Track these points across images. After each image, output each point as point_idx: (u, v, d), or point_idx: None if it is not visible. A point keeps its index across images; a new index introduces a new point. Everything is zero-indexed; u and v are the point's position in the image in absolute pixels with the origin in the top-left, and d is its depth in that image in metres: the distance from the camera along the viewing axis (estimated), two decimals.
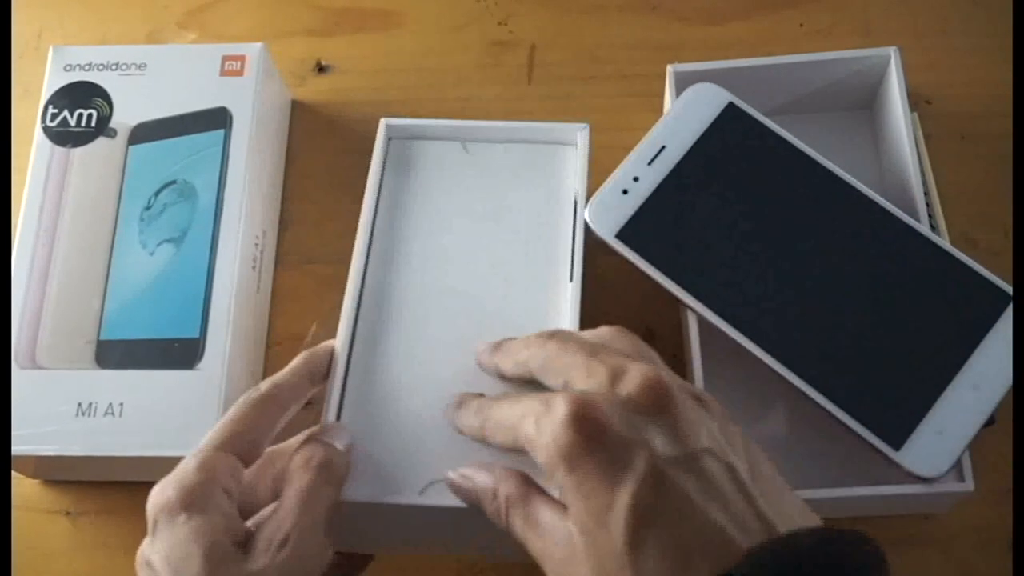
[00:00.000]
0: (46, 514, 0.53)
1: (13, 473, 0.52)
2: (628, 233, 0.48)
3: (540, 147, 0.50)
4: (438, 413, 0.41)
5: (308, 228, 0.58)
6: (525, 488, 0.36)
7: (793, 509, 0.34)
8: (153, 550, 0.36)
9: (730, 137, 0.50)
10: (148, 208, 0.53)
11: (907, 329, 0.46)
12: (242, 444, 0.40)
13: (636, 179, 0.49)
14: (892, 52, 0.54)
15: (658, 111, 0.58)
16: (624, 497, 0.32)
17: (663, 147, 0.50)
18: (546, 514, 0.35)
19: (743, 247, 0.48)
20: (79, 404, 0.49)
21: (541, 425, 0.34)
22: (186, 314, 0.51)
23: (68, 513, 0.53)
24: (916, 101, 0.57)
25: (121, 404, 0.49)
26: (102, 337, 0.51)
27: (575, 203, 0.48)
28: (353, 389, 0.43)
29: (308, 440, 0.40)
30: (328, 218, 0.58)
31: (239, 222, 0.53)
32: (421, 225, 0.48)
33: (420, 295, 0.45)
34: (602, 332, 0.39)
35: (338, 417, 0.42)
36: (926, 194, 0.53)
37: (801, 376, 0.45)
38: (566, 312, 0.45)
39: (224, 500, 0.37)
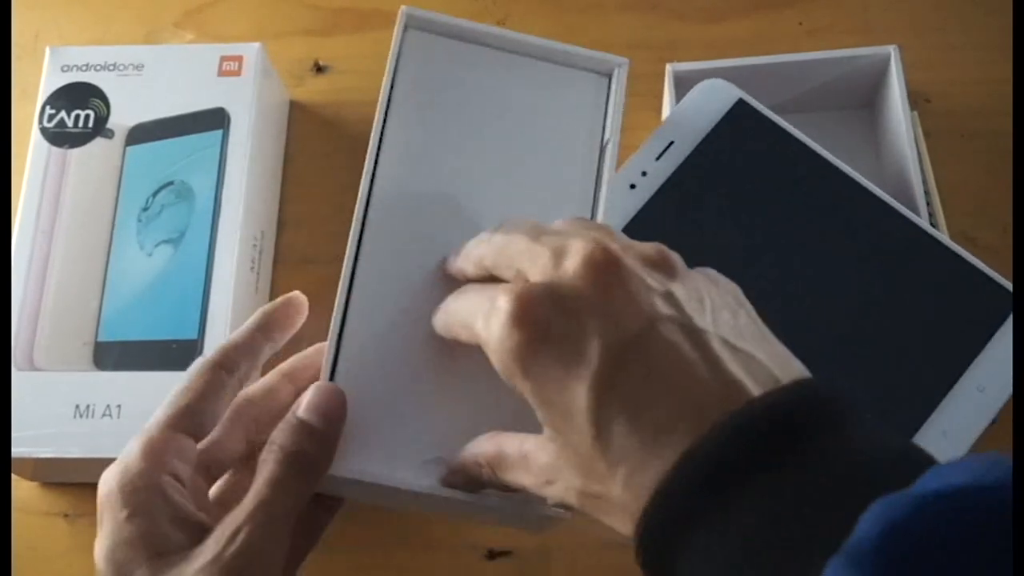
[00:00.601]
0: (44, 516, 0.53)
1: (12, 475, 0.52)
2: (636, 227, 0.48)
3: (578, 74, 0.45)
4: (441, 374, 0.39)
5: (306, 228, 0.58)
6: (497, 439, 0.35)
7: (773, 362, 0.31)
8: (97, 546, 0.35)
9: (739, 133, 0.50)
10: (146, 209, 0.53)
11: (914, 329, 0.46)
12: (192, 419, 0.38)
13: (644, 173, 0.49)
14: (892, 51, 0.54)
15: (657, 110, 0.58)
16: (581, 392, 0.31)
17: (671, 142, 0.50)
18: (526, 444, 0.34)
19: (750, 243, 0.48)
20: (77, 406, 0.49)
21: (489, 325, 0.32)
22: (184, 315, 0.51)
23: (66, 515, 0.52)
24: (916, 99, 0.57)
25: (119, 406, 0.49)
26: (100, 339, 0.51)
27: (602, 144, 0.44)
28: (351, 338, 0.40)
29: (287, 421, 0.37)
30: (326, 218, 0.58)
31: (237, 223, 0.52)
32: (436, 139, 0.43)
33: (431, 209, 0.41)
34: (557, 222, 0.37)
35: (332, 372, 0.39)
36: (926, 192, 0.53)
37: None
38: None
39: (172, 488, 0.36)
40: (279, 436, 0.37)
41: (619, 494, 0.30)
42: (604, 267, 0.32)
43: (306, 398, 0.38)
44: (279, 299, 0.42)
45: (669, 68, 0.55)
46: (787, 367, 0.32)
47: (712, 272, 0.36)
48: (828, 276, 0.47)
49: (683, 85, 0.55)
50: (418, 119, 0.43)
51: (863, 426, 0.29)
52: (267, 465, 0.36)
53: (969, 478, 0.24)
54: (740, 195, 0.49)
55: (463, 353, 0.37)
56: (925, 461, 0.27)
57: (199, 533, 0.35)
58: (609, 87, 0.45)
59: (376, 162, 0.42)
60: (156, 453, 0.36)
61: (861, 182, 0.49)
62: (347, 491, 0.40)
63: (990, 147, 0.57)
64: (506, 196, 0.42)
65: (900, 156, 0.53)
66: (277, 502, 0.36)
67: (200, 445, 0.39)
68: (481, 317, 0.33)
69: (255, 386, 0.42)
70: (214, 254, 0.52)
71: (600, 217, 0.42)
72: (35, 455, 0.49)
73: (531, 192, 0.43)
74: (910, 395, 0.44)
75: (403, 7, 0.44)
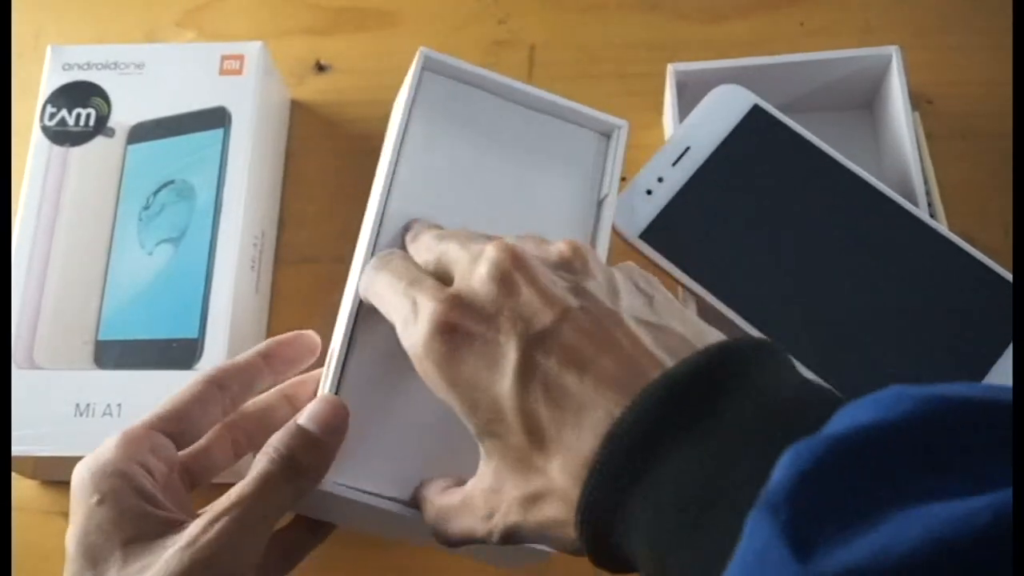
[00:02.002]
0: (44, 515, 0.53)
1: (12, 474, 0.52)
2: (652, 233, 0.48)
3: (582, 132, 0.47)
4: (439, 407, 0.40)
5: (307, 228, 0.58)
6: (437, 497, 0.36)
7: (689, 331, 0.33)
8: (68, 534, 0.36)
9: (755, 139, 0.50)
10: (147, 208, 0.53)
11: (932, 332, 0.46)
12: (175, 423, 0.39)
13: (660, 179, 0.49)
14: (893, 51, 0.54)
15: (658, 110, 0.58)
16: (505, 387, 0.32)
17: (688, 148, 0.50)
18: (464, 489, 0.35)
19: (767, 249, 0.48)
20: (77, 405, 0.49)
21: (409, 335, 0.34)
22: (185, 314, 0.51)
23: (66, 514, 0.52)
24: (917, 100, 0.57)
25: (119, 404, 0.49)
26: (100, 337, 0.51)
27: (601, 199, 0.46)
28: (354, 365, 0.40)
29: (287, 427, 0.38)
30: (327, 218, 0.58)
31: (238, 222, 0.52)
32: (441, 178, 0.45)
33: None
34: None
35: (337, 388, 0.40)
36: (927, 193, 0.53)
37: (823, 377, 0.45)
38: None
39: (142, 477, 0.36)
40: (276, 439, 0.37)
41: (559, 482, 0.31)
42: (511, 269, 0.33)
43: (309, 408, 0.38)
44: (292, 333, 0.43)
45: (670, 68, 0.55)
46: (703, 336, 0.32)
47: (631, 264, 0.37)
48: (847, 280, 0.47)
49: (684, 85, 0.55)
50: (427, 158, 0.45)
51: (777, 375, 0.30)
52: (259, 465, 0.37)
53: (874, 415, 0.25)
54: (757, 200, 0.49)
55: None
56: (835, 401, 0.28)
57: (172, 524, 0.36)
58: (608, 146, 0.47)
59: (388, 191, 0.43)
60: (130, 444, 0.37)
61: (878, 187, 0.49)
62: (334, 509, 0.40)
63: (991, 148, 0.57)
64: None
65: (901, 157, 0.53)
66: (261, 500, 0.36)
67: (186, 451, 0.40)
68: (400, 322, 0.35)
69: (252, 402, 0.42)
70: (215, 253, 0.52)
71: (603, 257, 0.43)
72: (35, 453, 0.49)
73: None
74: None
75: (421, 48, 0.46)
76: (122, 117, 0.55)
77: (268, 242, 0.57)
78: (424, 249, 0.39)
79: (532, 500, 0.32)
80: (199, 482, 0.41)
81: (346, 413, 0.38)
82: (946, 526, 0.22)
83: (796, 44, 0.60)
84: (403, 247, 0.41)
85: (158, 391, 0.49)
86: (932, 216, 0.52)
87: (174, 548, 0.34)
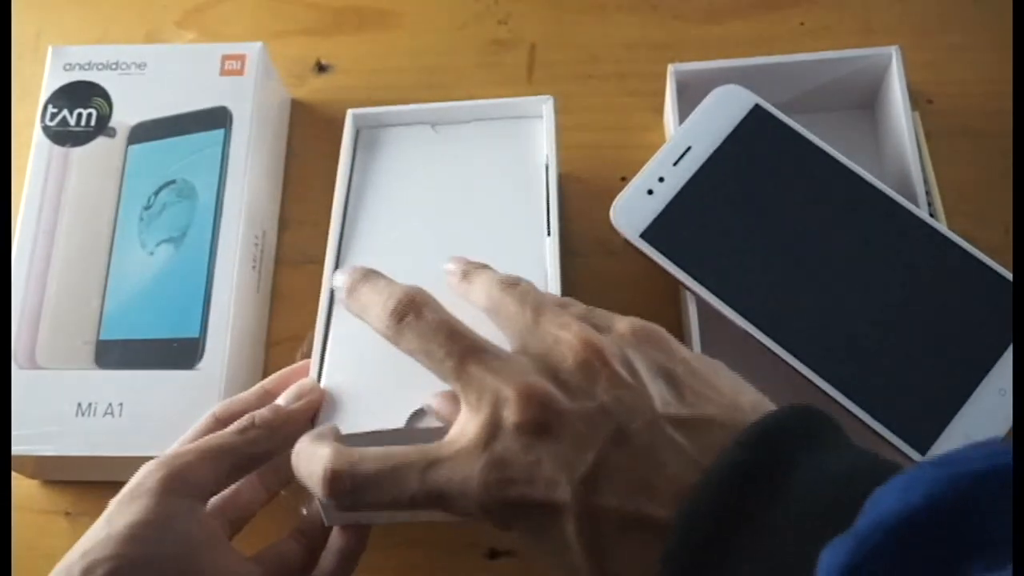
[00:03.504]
0: (45, 514, 0.53)
1: (12, 473, 0.52)
2: (653, 233, 0.48)
3: (508, 122, 0.51)
4: (426, 385, 0.41)
5: (308, 228, 0.58)
6: None
7: (724, 412, 0.34)
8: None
9: (756, 139, 0.50)
10: (148, 208, 0.53)
11: (934, 332, 0.46)
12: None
13: (661, 179, 0.49)
14: (893, 51, 0.54)
15: (658, 110, 0.58)
16: (569, 529, 0.33)
17: (689, 148, 0.50)
18: None
19: (769, 249, 0.48)
20: (78, 404, 0.49)
21: (464, 499, 0.34)
22: (186, 314, 0.51)
23: (67, 513, 0.52)
24: (917, 100, 0.57)
25: (120, 404, 0.49)
26: (101, 337, 0.51)
27: (546, 164, 0.49)
28: (334, 351, 0.44)
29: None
30: (328, 218, 0.58)
31: (239, 222, 0.52)
32: (396, 205, 0.49)
33: (400, 262, 0.44)
34: (567, 301, 0.39)
35: (321, 362, 0.44)
36: (927, 193, 0.53)
37: (827, 379, 0.45)
38: (548, 263, 0.46)
39: None
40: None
41: None
42: (541, 417, 0.34)
43: (285, 391, 0.43)
44: (300, 364, 0.46)
45: (671, 68, 0.55)
46: (739, 415, 0.34)
47: (637, 325, 0.37)
48: (847, 280, 0.47)
49: (685, 85, 0.55)
50: (377, 205, 0.50)
51: (811, 463, 0.31)
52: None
53: (895, 506, 0.26)
54: (758, 200, 0.49)
55: None
56: (866, 482, 0.29)
57: None
58: (542, 121, 0.51)
59: (342, 226, 0.49)
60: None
61: (879, 187, 0.49)
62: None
63: (992, 148, 0.57)
64: (465, 227, 0.48)
65: (901, 156, 0.53)
66: (207, 442, 0.40)
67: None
68: (446, 487, 0.35)
69: (236, 397, 0.45)
70: (216, 253, 0.52)
71: (554, 219, 0.47)
72: (36, 453, 0.49)
73: (490, 218, 0.48)
74: (931, 398, 0.44)
75: (349, 110, 0.52)
76: (123, 117, 0.55)
77: (269, 242, 0.57)
78: (380, 322, 0.39)
79: None
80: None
81: (311, 385, 0.43)
82: None
83: (796, 44, 0.60)
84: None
85: (159, 391, 0.49)
86: (932, 215, 0.52)
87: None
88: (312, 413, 0.42)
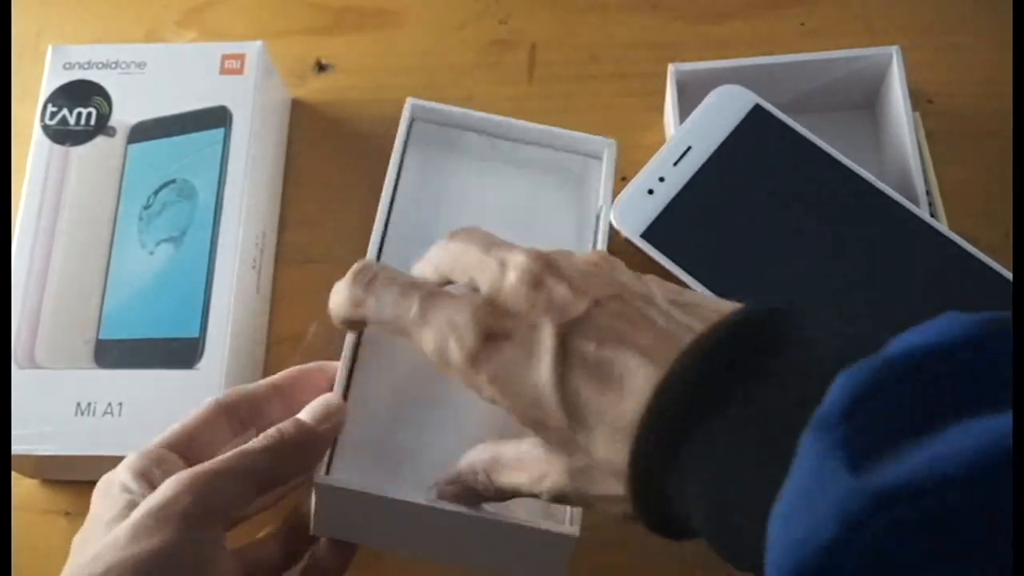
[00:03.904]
0: (45, 514, 0.53)
1: (12, 473, 0.52)
2: (653, 233, 0.48)
3: (565, 155, 0.49)
4: (447, 408, 0.41)
5: (308, 227, 0.58)
6: (492, 445, 0.37)
7: (721, 307, 0.33)
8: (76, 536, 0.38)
9: (756, 139, 0.50)
10: (147, 207, 0.53)
11: None
12: (185, 444, 0.41)
13: (662, 179, 0.49)
14: (894, 51, 0.54)
15: (659, 110, 0.58)
16: (544, 374, 0.32)
17: (689, 148, 0.50)
18: (521, 447, 0.35)
19: (769, 249, 0.48)
20: (78, 404, 0.49)
21: (448, 351, 0.34)
22: (186, 313, 0.51)
23: (67, 513, 0.52)
24: (918, 100, 0.57)
25: (120, 404, 0.49)
26: (101, 336, 0.51)
27: (598, 215, 0.47)
28: (362, 370, 0.42)
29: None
30: (328, 218, 0.58)
31: (239, 221, 0.52)
32: (442, 214, 0.47)
33: None
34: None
35: (345, 396, 0.41)
36: (928, 193, 0.53)
37: None
38: None
39: (138, 485, 0.38)
40: (269, 429, 0.40)
41: (604, 455, 0.31)
42: (542, 271, 0.34)
43: (308, 405, 0.41)
44: (312, 365, 0.44)
45: (671, 68, 0.55)
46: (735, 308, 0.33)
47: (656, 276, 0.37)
48: (848, 281, 0.47)
49: (685, 85, 0.55)
50: (422, 205, 0.47)
51: (826, 322, 0.30)
52: (246, 444, 0.39)
53: (929, 338, 0.25)
54: (759, 200, 0.49)
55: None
56: (888, 339, 0.27)
57: None
58: (602, 162, 0.49)
59: (382, 242, 0.46)
60: (138, 459, 0.40)
61: (879, 187, 0.49)
62: (350, 518, 0.40)
63: (993, 148, 0.57)
64: None
65: (902, 157, 0.53)
66: (231, 462, 0.38)
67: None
68: (435, 344, 0.34)
69: (243, 388, 0.43)
70: (216, 253, 0.52)
71: None
72: (36, 452, 0.49)
73: None
74: None
75: (409, 99, 0.49)
76: (123, 116, 0.55)
77: (269, 242, 0.57)
78: (436, 248, 0.39)
79: (581, 472, 0.33)
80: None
81: (339, 406, 0.40)
82: (1003, 434, 0.21)
83: (797, 44, 0.60)
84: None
85: (159, 390, 0.49)
86: (932, 216, 0.52)
87: (137, 507, 0.36)
88: (335, 435, 0.40)
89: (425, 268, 0.39)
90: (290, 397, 0.43)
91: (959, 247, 0.48)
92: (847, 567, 0.22)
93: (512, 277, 0.34)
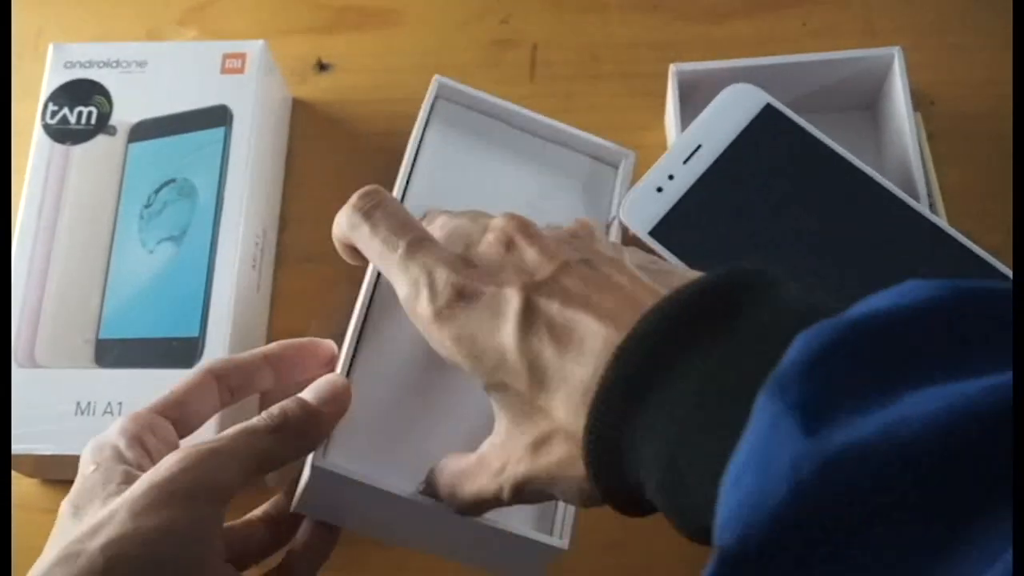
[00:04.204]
0: (45, 513, 0.52)
1: (12, 472, 0.52)
2: (662, 230, 0.48)
3: (583, 158, 0.49)
4: (447, 395, 0.40)
5: (308, 227, 0.58)
6: (451, 463, 0.36)
7: (690, 274, 0.33)
8: (65, 499, 0.38)
9: (767, 138, 0.50)
10: (148, 206, 0.53)
11: None
12: (176, 410, 0.41)
13: (671, 177, 0.49)
14: (895, 52, 0.54)
15: (660, 110, 0.58)
16: (507, 332, 0.32)
17: (699, 146, 0.50)
18: (478, 451, 0.35)
19: (778, 248, 0.48)
20: (78, 403, 0.49)
21: (418, 303, 0.34)
22: (186, 313, 0.51)
23: None
24: (919, 101, 0.57)
25: (120, 403, 0.49)
26: (101, 336, 0.51)
27: (608, 226, 0.48)
28: (364, 352, 0.41)
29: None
30: (329, 217, 0.57)
31: (239, 221, 0.52)
32: (457, 195, 0.46)
33: None
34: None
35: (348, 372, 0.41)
36: (929, 194, 0.53)
37: None
38: None
39: (132, 449, 0.38)
40: (272, 406, 0.39)
41: (563, 416, 0.31)
42: (515, 232, 0.35)
43: (312, 384, 0.40)
44: (304, 340, 0.44)
45: (672, 68, 0.55)
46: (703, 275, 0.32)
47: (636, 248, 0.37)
48: (857, 279, 0.47)
49: (687, 85, 0.55)
50: (439, 183, 0.46)
51: (789, 289, 0.29)
52: (249, 421, 0.38)
53: (891, 302, 0.24)
54: (767, 199, 0.49)
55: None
56: (849, 303, 0.27)
57: None
58: (617, 172, 0.49)
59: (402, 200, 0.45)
60: (130, 423, 0.39)
61: (889, 187, 0.49)
62: (339, 503, 0.40)
63: (994, 149, 0.57)
64: None
65: (903, 157, 0.53)
66: (235, 440, 0.37)
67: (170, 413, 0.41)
68: (406, 288, 0.35)
69: (236, 358, 0.43)
70: (216, 252, 0.52)
71: None
72: (36, 452, 0.49)
73: None
74: None
75: (436, 76, 0.49)
76: (124, 115, 0.55)
77: (269, 241, 0.57)
78: (437, 227, 0.39)
79: (539, 443, 0.32)
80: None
81: (344, 388, 0.39)
82: (961, 401, 0.21)
83: (798, 44, 0.60)
84: None
85: (159, 390, 0.49)
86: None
87: (139, 479, 0.36)
88: (339, 418, 0.39)
89: (438, 234, 0.40)
90: (280, 369, 0.43)
91: (969, 250, 0.48)
92: (797, 530, 0.22)
93: (488, 238, 0.35)
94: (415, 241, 0.36)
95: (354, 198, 0.38)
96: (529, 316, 0.32)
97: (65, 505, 0.38)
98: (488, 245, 0.35)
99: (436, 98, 0.49)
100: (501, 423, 0.34)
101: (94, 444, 0.39)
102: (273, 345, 0.43)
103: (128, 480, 0.37)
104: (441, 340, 0.34)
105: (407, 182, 0.46)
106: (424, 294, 0.34)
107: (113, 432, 0.39)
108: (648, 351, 0.28)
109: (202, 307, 0.51)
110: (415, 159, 0.47)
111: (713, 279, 0.30)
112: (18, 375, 0.50)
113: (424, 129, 0.48)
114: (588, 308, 0.31)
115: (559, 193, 0.48)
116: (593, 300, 0.31)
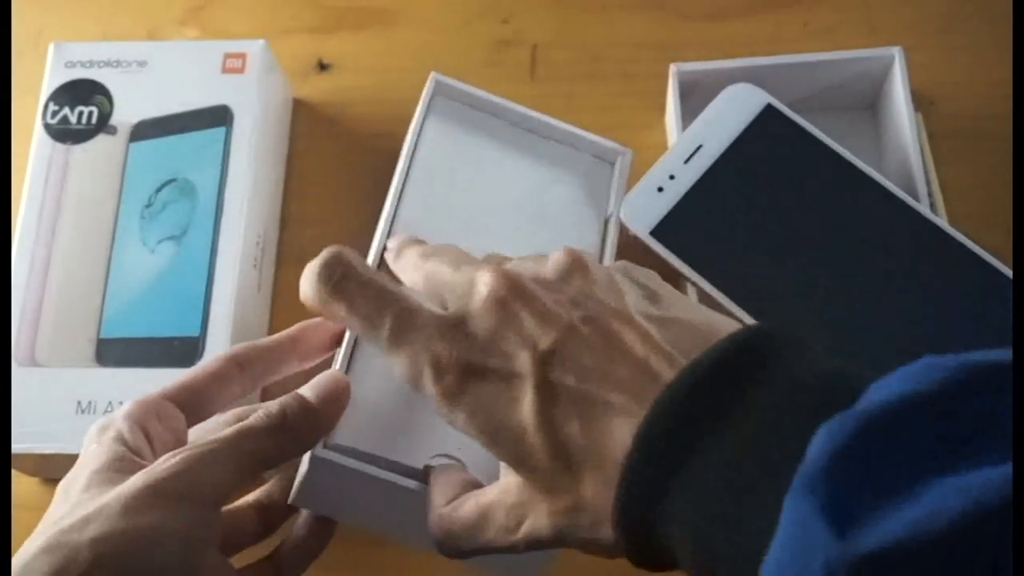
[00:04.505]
0: (45, 512, 0.53)
1: (13, 471, 0.52)
2: (663, 230, 0.48)
3: (580, 155, 0.49)
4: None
5: (309, 226, 0.58)
6: (456, 510, 0.35)
7: (702, 320, 0.32)
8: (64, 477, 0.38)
9: (768, 138, 0.50)
10: (149, 206, 0.53)
11: (942, 335, 0.46)
12: (190, 396, 0.40)
13: (672, 177, 0.49)
14: (896, 52, 0.54)
15: (661, 110, 0.58)
16: (525, 409, 0.31)
17: (700, 146, 0.50)
18: (483, 499, 0.34)
19: (778, 248, 0.48)
20: (79, 402, 0.49)
21: (424, 384, 0.33)
22: (187, 312, 0.51)
23: None
24: (920, 101, 0.57)
25: (121, 402, 0.49)
26: (102, 335, 0.51)
27: (606, 222, 0.48)
28: (365, 347, 0.41)
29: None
30: (330, 216, 0.58)
31: (240, 220, 0.52)
32: (456, 190, 0.46)
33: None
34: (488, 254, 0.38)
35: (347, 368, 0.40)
36: (929, 194, 0.53)
37: None
38: None
39: (139, 440, 0.38)
40: (272, 402, 0.38)
41: (591, 495, 0.30)
42: (507, 296, 0.33)
43: (311, 380, 0.39)
44: (317, 323, 0.42)
45: (673, 68, 0.55)
46: (713, 325, 0.32)
47: (626, 262, 0.36)
48: (857, 280, 0.47)
49: (688, 85, 0.55)
50: (436, 178, 0.46)
51: (802, 357, 0.29)
52: (246, 421, 0.37)
53: (905, 387, 0.25)
54: (768, 199, 0.49)
55: None
56: (865, 377, 0.27)
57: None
58: (613, 169, 0.49)
59: (395, 211, 0.45)
60: (138, 408, 0.39)
61: (889, 188, 0.49)
62: (335, 495, 0.39)
63: (994, 149, 0.57)
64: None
65: (904, 158, 0.53)
66: (233, 441, 0.36)
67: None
68: (406, 366, 0.33)
69: (258, 344, 0.42)
70: (217, 251, 0.52)
71: None
72: (36, 451, 0.49)
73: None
74: None
75: (433, 73, 0.49)
76: (124, 115, 0.55)
77: (270, 241, 0.57)
78: (411, 268, 0.38)
79: (564, 512, 0.31)
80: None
81: (345, 386, 0.38)
82: (982, 493, 0.22)
83: (799, 44, 0.60)
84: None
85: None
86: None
87: (134, 476, 0.35)
88: (340, 415, 0.39)
89: (403, 274, 0.39)
90: (305, 350, 0.42)
91: (969, 250, 0.48)
92: None
93: (479, 302, 0.33)
94: (400, 317, 0.34)
95: (317, 267, 0.36)
96: (546, 394, 0.31)
97: (60, 485, 0.37)
98: (481, 309, 0.33)
99: (433, 95, 0.49)
100: (514, 487, 0.33)
101: (98, 424, 0.39)
102: (297, 326, 0.42)
103: (123, 469, 0.36)
104: (453, 417, 0.33)
105: (406, 176, 0.46)
106: (427, 374, 0.33)
107: (119, 415, 0.39)
108: (669, 437, 0.28)
109: (203, 306, 0.51)
110: (413, 154, 0.47)
111: (725, 349, 0.29)
112: (19, 374, 0.50)
113: (422, 125, 0.48)
114: (605, 383, 0.31)
115: (556, 188, 0.48)
116: (609, 373, 0.31)
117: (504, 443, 0.32)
